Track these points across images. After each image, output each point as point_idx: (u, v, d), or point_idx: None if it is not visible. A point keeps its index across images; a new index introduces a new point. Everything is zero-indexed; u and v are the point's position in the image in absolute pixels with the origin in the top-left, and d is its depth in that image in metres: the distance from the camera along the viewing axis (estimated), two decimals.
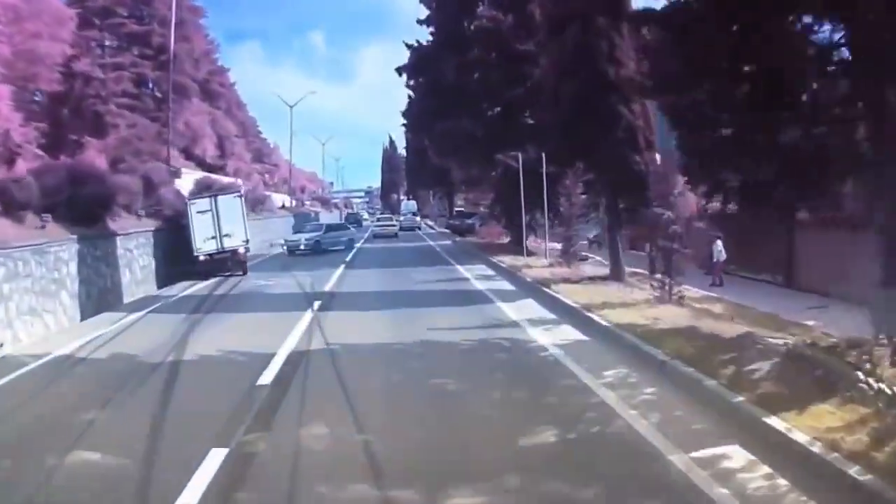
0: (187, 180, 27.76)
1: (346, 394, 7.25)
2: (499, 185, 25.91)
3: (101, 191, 17.56)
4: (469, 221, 38.76)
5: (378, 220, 54.02)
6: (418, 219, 57.72)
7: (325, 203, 76.86)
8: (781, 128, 8.00)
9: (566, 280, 15.36)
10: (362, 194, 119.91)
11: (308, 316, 12.20)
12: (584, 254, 19.24)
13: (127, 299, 17.38)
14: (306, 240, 30.54)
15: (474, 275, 18.55)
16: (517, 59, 22.92)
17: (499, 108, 24.62)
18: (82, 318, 14.77)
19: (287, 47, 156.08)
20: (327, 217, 62.63)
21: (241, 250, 20.37)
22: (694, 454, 5.04)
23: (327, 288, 16.45)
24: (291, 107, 54.20)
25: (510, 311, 12.51)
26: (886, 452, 4.31)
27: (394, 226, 45.82)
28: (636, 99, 15.54)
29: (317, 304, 13.61)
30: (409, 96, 29.97)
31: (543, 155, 20.14)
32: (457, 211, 51.77)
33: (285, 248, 30.21)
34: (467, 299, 14.12)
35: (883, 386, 5.28)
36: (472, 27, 24.30)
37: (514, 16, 22.51)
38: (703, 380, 6.63)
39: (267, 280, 19.00)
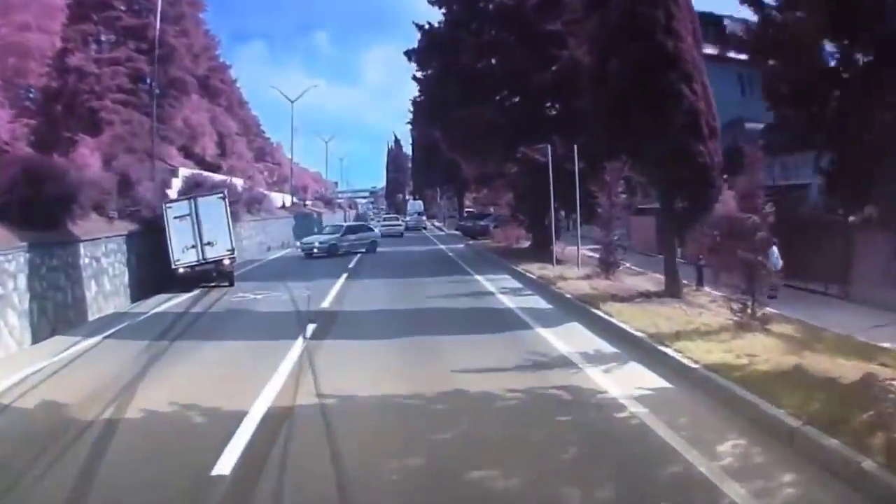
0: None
1: (343, 497, 4.65)
2: (520, 182, 23.24)
3: (62, 189, 14.95)
4: (482, 223, 35.89)
5: (384, 219, 54.14)
6: (424, 219, 57.49)
7: (329, 203, 74.28)
8: None
9: (614, 297, 12.71)
10: (367, 194, 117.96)
11: (298, 348, 9.56)
12: (622, 261, 16.51)
13: (92, 316, 14.78)
14: (320, 242, 29.02)
15: (498, 287, 15.83)
16: (543, 40, 20.26)
17: (520, 97, 21.95)
18: (34, 342, 12.17)
19: (292, 48, 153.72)
20: (330, 217, 60.33)
21: (226, 261, 17.66)
22: None
23: (325, 304, 13.80)
24: (293, 101, 51.71)
25: (555, 340, 9.84)
26: None
27: (399, 225, 46.76)
28: (698, 78, 12.95)
29: (311, 328, 10.97)
30: (419, 87, 27.27)
31: (575, 147, 17.51)
32: (467, 211, 49.19)
33: (300, 249, 28.95)
34: (497, 322, 11.46)
35: None
36: (490, 6, 21.62)
37: None
38: (857, 460, 4.70)
39: (256, 293, 16.30)
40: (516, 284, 16.52)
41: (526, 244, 26.44)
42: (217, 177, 29.00)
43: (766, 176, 10.88)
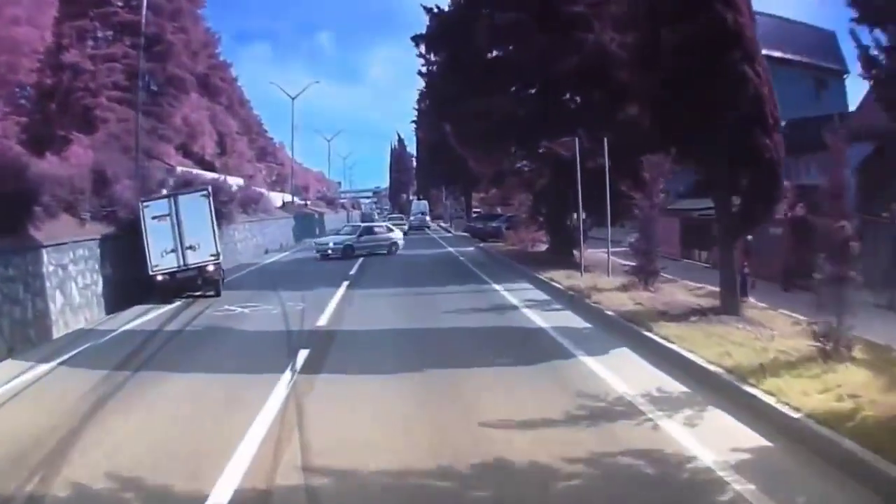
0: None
1: None
2: (537, 179, 21.25)
3: (21, 186, 13.01)
4: (493, 224, 33.67)
5: (389, 218, 52.79)
6: (428, 219, 56.31)
7: (331, 203, 72.38)
8: None
9: (662, 314, 10.73)
10: (370, 195, 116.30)
11: (283, 387, 7.57)
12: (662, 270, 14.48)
13: (58, 332, 12.83)
14: (335, 243, 27.45)
15: (522, 300, 13.77)
16: (565, 23, 18.29)
17: (538, 87, 19.97)
18: None
19: (295, 48, 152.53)
20: (332, 218, 58.55)
21: (211, 267, 15.55)
22: None
23: (322, 322, 11.76)
24: (293, 98, 49.82)
25: (608, 374, 7.86)
26: None
27: (404, 225, 45.18)
28: (760, 59, 10.99)
29: (302, 356, 8.99)
30: (426, 78, 25.28)
31: (605, 141, 15.52)
32: (475, 212, 47.20)
33: (316, 251, 27.79)
34: (529, 347, 9.46)
35: None
36: None
37: None
38: None
39: (244, 305, 14.21)
40: (542, 296, 14.44)
41: (542, 247, 24.47)
42: (209, 175, 27.00)
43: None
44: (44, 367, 9.67)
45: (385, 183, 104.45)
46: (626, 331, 10.08)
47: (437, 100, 24.25)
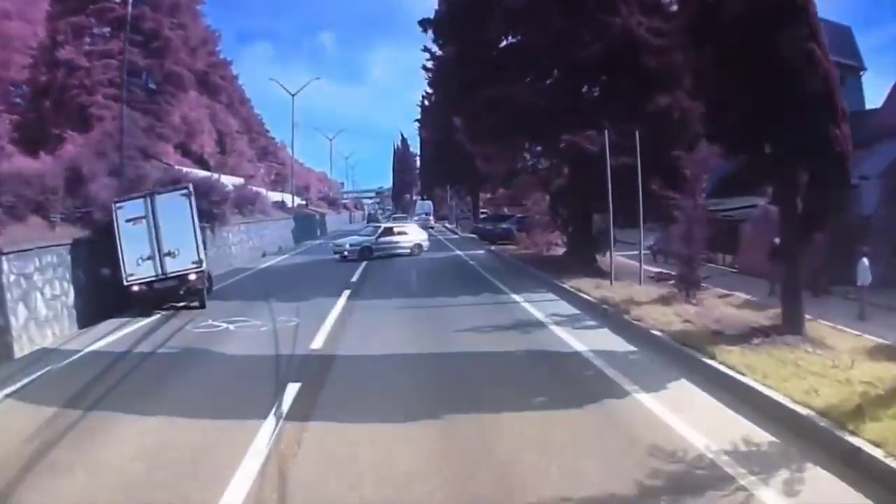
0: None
1: None
2: (554, 177, 19.59)
3: None
4: (503, 226, 31.83)
5: (393, 219, 52.55)
6: (432, 219, 55.18)
7: (333, 203, 70.76)
8: None
9: (717, 334, 9.11)
10: (373, 195, 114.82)
11: (264, 440, 5.92)
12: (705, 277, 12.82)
13: (20, 351, 11.20)
14: (351, 245, 26.03)
15: (548, 314, 12.03)
16: (589, 5, 16.65)
17: (558, 76, 18.31)
18: None
19: (297, 48, 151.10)
20: (334, 219, 56.99)
21: (193, 276, 13.80)
22: None
23: (316, 344, 10.02)
24: (293, 95, 48.25)
25: (675, 421, 6.18)
26: None
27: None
28: (823, 40, 9.35)
29: (291, 392, 7.33)
30: (434, 70, 23.66)
31: (637, 134, 13.87)
32: (483, 212, 45.51)
33: (334, 252, 26.40)
34: (568, 381, 7.75)
35: None
36: None
37: None
38: None
39: (230, 320, 12.42)
40: (570, 309, 12.67)
41: (559, 251, 22.79)
42: (202, 173, 25.36)
43: None
44: None
45: (388, 184, 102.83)
46: (680, 356, 8.42)
47: (446, 92, 22.58)
